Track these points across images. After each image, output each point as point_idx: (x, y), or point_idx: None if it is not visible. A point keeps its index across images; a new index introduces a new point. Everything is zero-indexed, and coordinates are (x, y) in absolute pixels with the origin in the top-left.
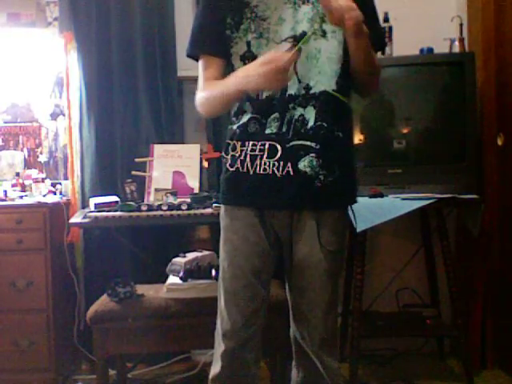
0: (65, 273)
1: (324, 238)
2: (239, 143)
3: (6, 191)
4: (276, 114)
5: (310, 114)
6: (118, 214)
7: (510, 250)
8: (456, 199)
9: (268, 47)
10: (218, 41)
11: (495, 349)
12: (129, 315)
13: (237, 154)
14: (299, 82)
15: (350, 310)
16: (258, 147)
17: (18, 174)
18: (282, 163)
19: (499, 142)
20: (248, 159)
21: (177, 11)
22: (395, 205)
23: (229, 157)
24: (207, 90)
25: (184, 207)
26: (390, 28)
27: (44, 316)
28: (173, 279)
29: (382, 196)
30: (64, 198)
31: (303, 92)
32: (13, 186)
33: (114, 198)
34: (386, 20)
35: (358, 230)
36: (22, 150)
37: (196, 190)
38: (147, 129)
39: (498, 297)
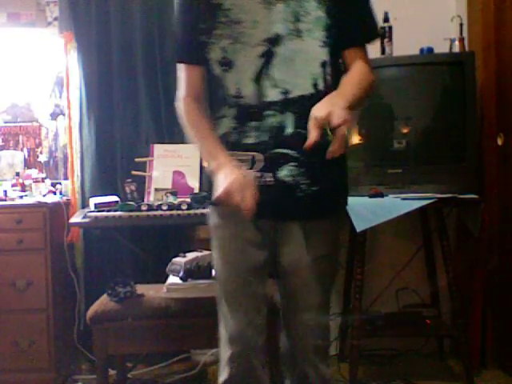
0: (65, 273)
1: (311, 242)
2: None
3: (5, 191)
4: (255, 123)
5: (289, 121)
6: (118, 213)
7: (510, 249)
8: (456, 199)
9: (244, 51)
10: (193, 48)
11: (495, 349)
12: (129, 315)
13: None
14: (275, 87)
15: (350, 310)
16: (238, 158)
17: (17, 174)
18: (262, 173)
19: (499, 142)
20: None
21: None
22: (395, 205)
23: None
24: (189, 122)
25: (184, 207)
26: (390, 28)
27: (44, 316)
28: (173, 279)
29: (382, 196)
30: (64, 198)
31: (281, 97)
32: (13, 185)
33: (114, 198)
34: (386, 20)
35: (358, 230)
36: (22, 150)
37: (196, 190)
38: (147, 129)
39: (498, 297)
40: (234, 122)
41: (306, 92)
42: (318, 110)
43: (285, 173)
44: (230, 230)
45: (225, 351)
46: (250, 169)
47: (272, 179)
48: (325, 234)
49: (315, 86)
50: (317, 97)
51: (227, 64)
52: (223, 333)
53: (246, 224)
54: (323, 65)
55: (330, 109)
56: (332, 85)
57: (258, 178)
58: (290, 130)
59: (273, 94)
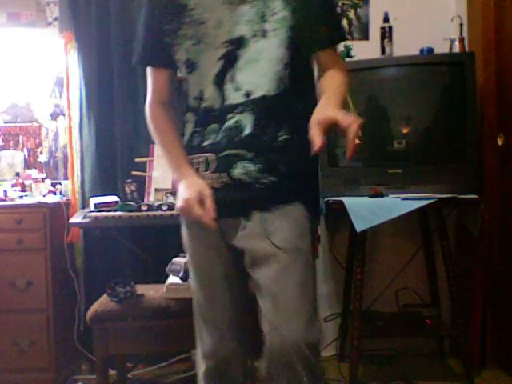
0: (65, 273)
1: (274, 229)
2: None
3: (5, 191)
4: (215, 125)
5: (247, 121)
6: (117, 213)
7: (510, 249)
8: (456, 199)
9: (208, 52)
10: (157, 51)
11: (495, 349)
12: (129, 315)
13: None
14: (238, 90)
15: (349, 310)
16: (196, 160)
17: (17, 174)
18: (217, 174)
19: (499, 142)
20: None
21: None
22: (395, 205)
23: None
24: (154, 129)
25: None
26: (390, 28)
27: (44, 316)
28: (173, 279)
29: (382, 196)
30: (64, 198)
31: (243, 100)
32: (13, 186)
33: (114, 198)
34: (386, 20)
35: (358, 230)
36: (22, 150)
37: None
38: (147, 129)
39: (498, 297)
40: (198, 124)
41: (270, 92)
42: (322, 114)
43: (239, 170)
44: (196, 238)
45: (200, 366)
46: (206, 170)
47: (227, 178)
48: (289, 219)
49: (279, 86)
50: (280, 97)
51: (191, 66)
52: (198, 347)
53: (210, 230)
54: (288, 65)
55: (336, 112)
56: (297, 85)
57: (216, 179)
58: (247, 130)
59: (235, 97)
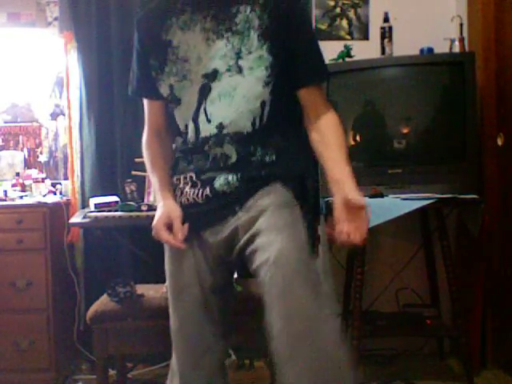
0: (65, 273)
1: (259, 206)
2: (173, 178)
3: (5, 191)
4: (199, 155)
5: (231, 151)
6: (118, 214)
7: (510, 249)
8: (456, 199)
9: (191, 88)
10: (146, 84)
11: (495, 349)
12: (129, 315)
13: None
14: (209, 121)
15: (350, 310)
16: (182, 180)
17: (18, 174)
18: (200, 190)
19: (499, 142)
20: (179, 193)
21: None
22: (395, 205)
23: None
24: (145, 155)
25: None
26: (390, 28)
27: (44, 316)
28: None
29: (382, 196)
30: (64, 198)
31: (215, 132)
32: (13, 185)
33: (114, 198)
34: (386, 20)
35: None
36: (22, 150)
37: None
38: None
39: (498, 297)
40: (184, 152)
41: (246, 129)
42: (351, 196)
43: (220, 183)
44: (173, 259)
45: None
46: (191, 187)
47: (210, 191)
48: (271, 191)
49: (256, 123)
50: (259, 132)
51: (176, 101)
52: (172, 366)
53: (188, 251)
54: (266, 103)
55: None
56: (279, 120)
57: (200, 195)
58: (233, 159)
59: (207, 129)
